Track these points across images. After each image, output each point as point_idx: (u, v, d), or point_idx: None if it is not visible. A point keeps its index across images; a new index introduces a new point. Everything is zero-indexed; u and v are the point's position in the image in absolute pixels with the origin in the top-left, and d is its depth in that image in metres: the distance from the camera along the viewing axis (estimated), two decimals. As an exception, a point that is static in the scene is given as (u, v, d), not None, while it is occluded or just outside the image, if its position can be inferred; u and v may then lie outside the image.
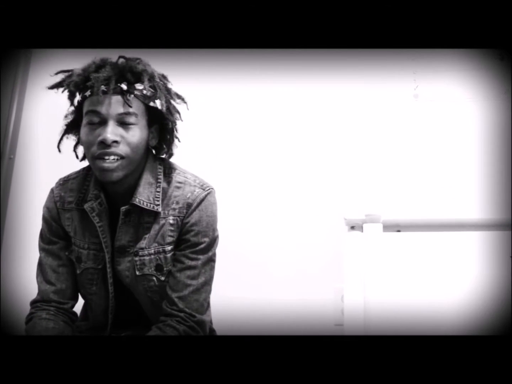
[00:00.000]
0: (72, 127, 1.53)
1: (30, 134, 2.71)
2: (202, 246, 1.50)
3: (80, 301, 1.64)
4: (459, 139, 2.35)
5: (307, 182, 2.45)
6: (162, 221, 1.50)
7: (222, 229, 1.59)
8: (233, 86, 2.54)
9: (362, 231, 1.93)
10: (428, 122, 2.39)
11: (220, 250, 1.59)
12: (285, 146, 2.51)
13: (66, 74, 1.48)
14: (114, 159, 1.40)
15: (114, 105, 1.41)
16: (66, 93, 1.49)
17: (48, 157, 1.57)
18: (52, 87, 1.49)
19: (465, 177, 2.30)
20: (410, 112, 2.41)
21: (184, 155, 1.68)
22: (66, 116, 1.54)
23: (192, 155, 1.86)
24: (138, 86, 1.44)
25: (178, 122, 1.56)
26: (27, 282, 1.60)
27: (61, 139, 1.54)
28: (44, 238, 1.59)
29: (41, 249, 1.59)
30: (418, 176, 2.34)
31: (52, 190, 1.60)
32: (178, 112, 1.55)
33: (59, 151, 1.54)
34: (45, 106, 2.58)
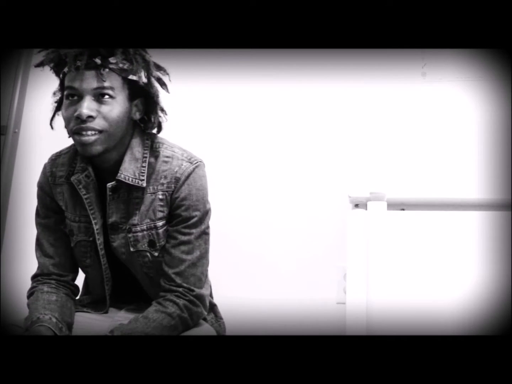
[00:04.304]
0: (60, 104, 1.52)
1: (34, 109, 2.72)
2: (193, 220, 1.48)
3: (82, 275, 1.65)
4: (463, 119, 2.33)
5: (312, 159, 2.44)
6: (152, 197, 1.49)
7: (225, 210, 1.58)
8: (240, 85, 2.52)
9: (366, 209, 1.91)
10: (434, 102, 2.37)
11: (222, 231, 1.58)
12: (289, 125, 2.49)
13: (46, 52, 1.47)
14: (91, 133, 1.40)
15: (89, 80, 1.40)
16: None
17: (51, 131, 1.57)
18: (37, 65, 1.49)
19: (470, 157, 2.28)
20: (416, 92, 2.38)
21: (188, 145, 1.66)
22: (54, 94, 1.54)
23: (196, 144, 1.83)
24: (112, 59, 1.42)
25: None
26: (28, 276, 1.61)
27: (53, 116, 1.55)
28: (39, 213, 1.60)
29: (38, 223, 1.60)
30: (423, 155, 2.32)
31: (45, 166, 1.61)
32: (165, 84, 1.54)
33: (52, 128, 1.54)
34: (48, 82, 2.58)
